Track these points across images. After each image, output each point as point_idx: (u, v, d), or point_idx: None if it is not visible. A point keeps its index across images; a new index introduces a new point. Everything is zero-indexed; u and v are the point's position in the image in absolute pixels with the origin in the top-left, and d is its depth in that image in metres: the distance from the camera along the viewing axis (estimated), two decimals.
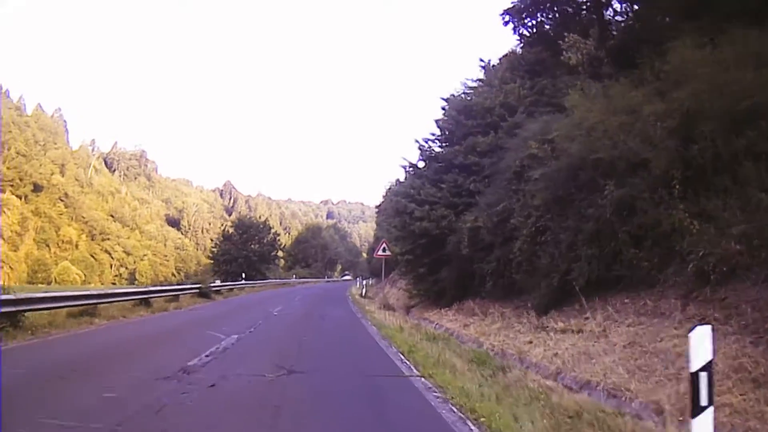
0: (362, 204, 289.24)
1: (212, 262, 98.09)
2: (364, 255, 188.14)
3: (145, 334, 22.24)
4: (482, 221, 28.87)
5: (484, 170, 33.94)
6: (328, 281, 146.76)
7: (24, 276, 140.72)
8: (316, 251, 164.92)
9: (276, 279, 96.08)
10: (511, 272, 26.23)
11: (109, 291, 29.29)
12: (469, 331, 26.21)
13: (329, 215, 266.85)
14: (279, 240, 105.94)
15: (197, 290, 45.12)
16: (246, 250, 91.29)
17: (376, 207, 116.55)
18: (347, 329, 27.54)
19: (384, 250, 44.95)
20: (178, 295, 39.92)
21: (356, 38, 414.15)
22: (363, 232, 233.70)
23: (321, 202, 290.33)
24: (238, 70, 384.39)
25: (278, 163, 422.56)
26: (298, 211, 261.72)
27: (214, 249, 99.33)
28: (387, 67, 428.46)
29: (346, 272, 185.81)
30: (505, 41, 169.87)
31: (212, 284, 51.83)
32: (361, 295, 62.66)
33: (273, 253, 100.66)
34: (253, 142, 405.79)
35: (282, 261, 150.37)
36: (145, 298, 32.90)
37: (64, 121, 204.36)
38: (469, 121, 36.90)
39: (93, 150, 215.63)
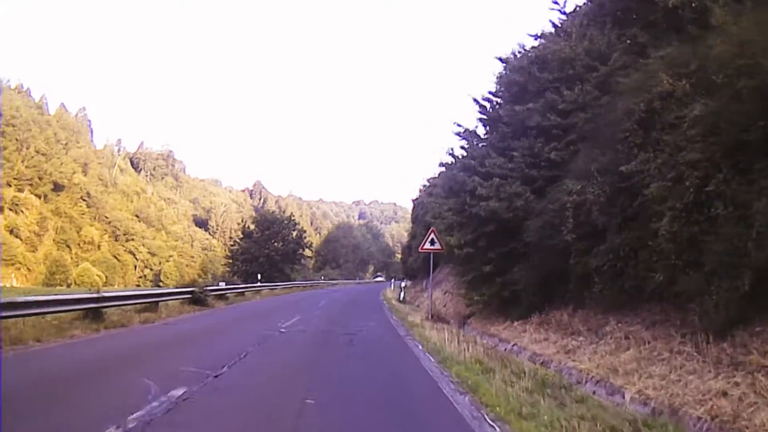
0: (395, 204, 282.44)
1: (231, 261, 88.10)
2: (398, 256, 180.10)
3: None
4: (592, 193, 18.49)
5: (569, 133, 24.56)
6: (360, 283, 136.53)
7: (41, 278, 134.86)
8: (347, 251, 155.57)
9: (302, 280, 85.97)
10: (636, 268, 16.47)
11: (25, 299, 17.85)
12: (579, 362, 16.33)
13: (361, 216, 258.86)
14: (306, 238, 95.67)
15: (189, 295, 34.85)
16: (268, 249, 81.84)
17: (413, 200, 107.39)
18: (388, 363, 16.57)
19: (432, 242, 32.46)
20: (158, 302, 29.73)
21: (390, 37, 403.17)
22: (395, 232, 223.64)
23: (353, 202, 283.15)
24: (269, 69, 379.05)
25: (309, 164, 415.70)
26: (330, 212, 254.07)
27: (233, 247, 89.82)
28: (420, 65, 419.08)
29: (378, 273, 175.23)
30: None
31: (210, 287, 41.26)
32: (398, 299, 53.25)
33: (299, 252, 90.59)
34: (284, 143, 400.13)
35: (312, 261, 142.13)
36: (94, 308, 22.17)
37: (89, 121, 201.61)
38: (544, 74, 26.82)
39: (119, 150, 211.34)
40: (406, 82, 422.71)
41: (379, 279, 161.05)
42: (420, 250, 35.70)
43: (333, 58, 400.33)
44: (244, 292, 51.15)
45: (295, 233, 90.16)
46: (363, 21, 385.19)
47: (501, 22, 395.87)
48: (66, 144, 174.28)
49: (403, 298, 53.03)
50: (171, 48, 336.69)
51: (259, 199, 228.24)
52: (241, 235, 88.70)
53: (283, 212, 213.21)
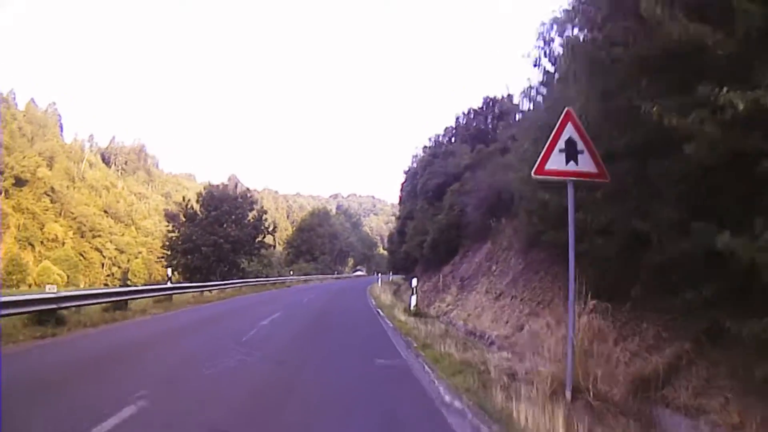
0: (373, 197, 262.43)
1: (168, 253, 61.44)
2: (380, 248, 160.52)
3: None
4: None
5: None
6: (338, 278, 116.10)
7: None
8: (324, 241, 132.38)
9: (263, 278, 63.20)
10: None
11: None
12: None
13: (339, 209, 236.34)
14: (267, 221, 70.50)
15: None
16: (216, 235, 58.36)
17: (405, 171, 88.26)
18: None
19: (573, 151, 8.96)
20: None
21: (366, 32, 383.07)
22: (375, 225, 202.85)
23: (330, 195, 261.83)
24: (243, 62, 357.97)
25: (286, 158, 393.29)
26: (307, 205, 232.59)
27: (172, 233, 62.80)
28: (396, 59, 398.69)
29: (359, 267, 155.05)
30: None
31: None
32: (409, 310, 29.48)
33: (258, 240, 65.97)
34: (260, 136, 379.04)
35: (285, 254, 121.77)
36: None
37: (59, 116, 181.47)
38: None
39: (91, 145, 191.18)
40: (384, 75, 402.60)
41: (359, 273, 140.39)
42: (536, 174, 10.04)
43: (309, 52, 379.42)
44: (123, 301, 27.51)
45: (252, 214, 66.00)
46: (339, 15, 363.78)
47: (472, 24, 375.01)
48: (32, 138, 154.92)
49: (416, 306, 29.85)
50: (145, 42, 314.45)
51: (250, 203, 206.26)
52: (183, 219, 62.53)
53: (258, 205, 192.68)
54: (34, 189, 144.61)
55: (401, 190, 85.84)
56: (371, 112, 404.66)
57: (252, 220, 63.80)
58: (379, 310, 31.46)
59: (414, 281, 30.72)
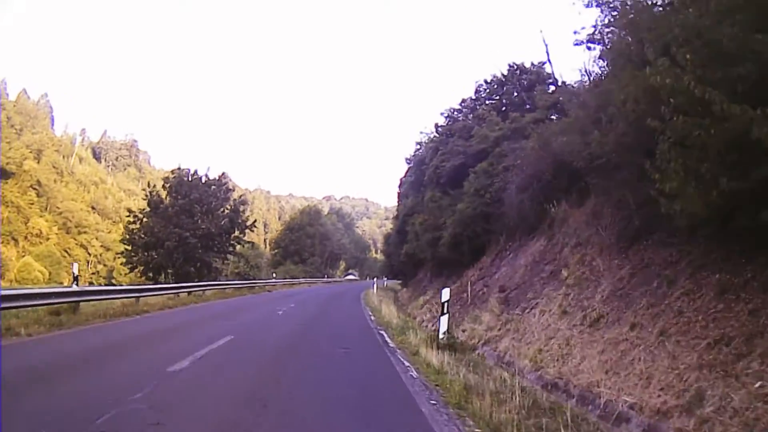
0: (366, 200, 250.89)
1: (129, 248, 48.68)
2: (375, 254, 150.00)
3: None
4: None
5: None
6: (329, 282, 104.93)
7: None
8: (314, 242, 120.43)
9: (238, 280, 52.39)
10: None
11: None
12: None
13: (332, 210, 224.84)
14: (246, 213, 58.58)
15: None
16: (181, 227, 46.34)
17: (407, 158, 78.10)
18: None
19: None
20: None
21: (360, 33, 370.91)
22: (368, 228, 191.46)
23: (323, 197, 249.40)
24: (239, 61, 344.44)
25: (279, 158, 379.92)
26: (299, 206, 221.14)
27: (132, 226, 49.80)
28: (390, 61, 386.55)
29: (351, 271, 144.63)
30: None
31: None
32: (435, 339, 17.19)
33: (232, 235, 53.96)
34: (254, 136, 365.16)
35: (270, 255, 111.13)
36: None
37: (50, 108, 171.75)
38: None
39: (83, 139, 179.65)
40: (377, 75, 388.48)
41: (351, 277, 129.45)
42: None
43: (303, 51, 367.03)
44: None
45: (228, 206, 52.99)
46: (334, 18, 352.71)
47: (469, 23, 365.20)
48: (21, 130, 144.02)
49: (449, 334, 17.37)
50: (142, 37, 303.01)
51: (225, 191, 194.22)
52: (149, 208, 49.11)
53: (251, 205, 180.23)
54: (20, 182, 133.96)
55: (400, 185, 76.43)
56: (365, 113, 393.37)
57: (227, 212, 52.42)
58: (383, 333, 22.26)
59: (445, 293, 18.88)
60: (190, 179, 50.71)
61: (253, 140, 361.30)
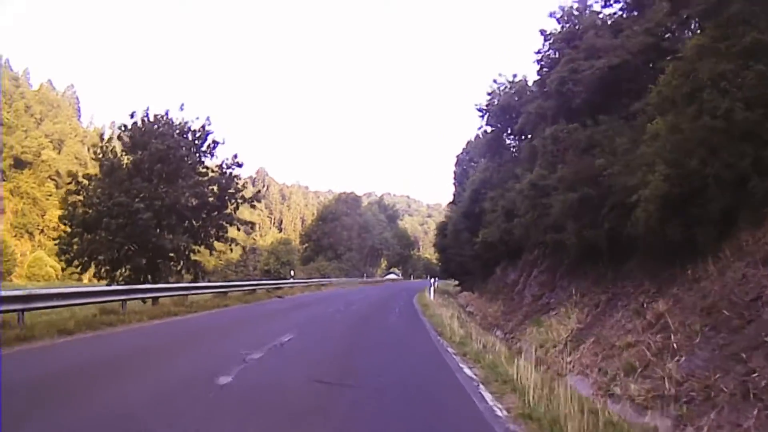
0: (408, 197, 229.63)
1: (69, 230, 28.50)
2: (421, 251, 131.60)
3: None
4: None
5: None
6: (367, 282, 79.74)
7: None
8: (351, 235, 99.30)
9: (220, 282, 34.40)
10: None
11: None
12: None
13: (373, 202, 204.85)
14: (240, 180, 34.98)
15: None
16: (149, 197, 27.33)
17: (458, 155, 62.06)
18: None
19: None
20: None
21: (404, 29, 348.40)
22: (409, 226, 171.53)
23: (364, 194, 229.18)
24: (278, 55, 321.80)
25: (318, 153, 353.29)
26: None
27: (73, 194, 29.45)
28: (434, 57, 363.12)
29: (392, 270, 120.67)
30: None
31: None
32: None
33: (226, 212, 32.36)
34: (293, 131, 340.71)
35: (299, 250, 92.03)
36: None
37: (77, 99, 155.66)
38: None
39: (113, 132, 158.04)
40: (422, 71, 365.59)
41: (393, 277, 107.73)
42: None
43: (350, 46, 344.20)
44: None
45: (215, 168, 32.42)
46: (374, 13, 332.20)
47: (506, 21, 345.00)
48: (41, 119, 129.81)
49: None
50: (178, 31, 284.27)
51: (263, 186, 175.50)
52: (102, 167, 29.53)
53: (288, 200, 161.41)
54: (37, 172, 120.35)
55: (457, 163, 58.60)
56: (407, 109, 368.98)
57: (212, 176, 32.24)
58: None
59: None
60: (149, 122, 30.65)
61: (291, 135, 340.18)
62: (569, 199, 17.81)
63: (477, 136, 60.60)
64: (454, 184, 63.98)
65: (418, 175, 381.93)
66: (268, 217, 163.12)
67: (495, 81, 37.06)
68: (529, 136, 29.50)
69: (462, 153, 63.10)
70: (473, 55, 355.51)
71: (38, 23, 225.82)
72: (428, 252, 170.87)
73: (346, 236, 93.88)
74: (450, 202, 65.61)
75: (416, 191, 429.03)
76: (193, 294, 24.94)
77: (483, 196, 37.08)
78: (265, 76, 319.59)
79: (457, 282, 60.96)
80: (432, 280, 44.17)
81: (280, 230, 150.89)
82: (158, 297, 22.49)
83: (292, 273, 50.64)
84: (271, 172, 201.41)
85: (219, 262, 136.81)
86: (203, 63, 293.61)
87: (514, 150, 34.95)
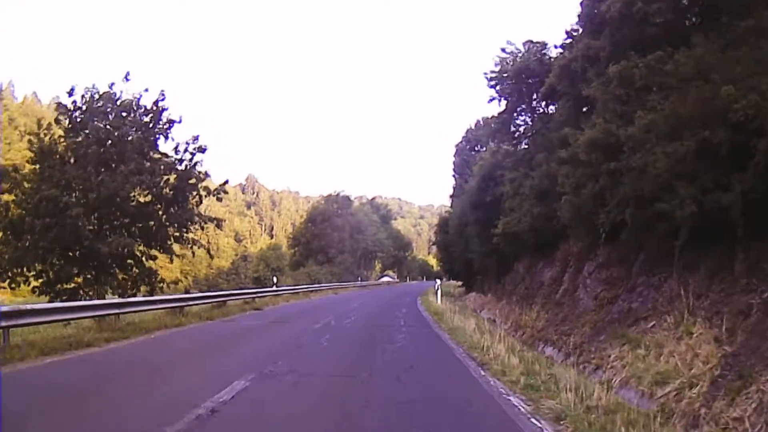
0: (399, 199, 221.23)
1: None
2: (417, 253, 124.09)
3: None
4: None
5: None
6: (362, 286, 71.90)
7: None
8: (343, 236, 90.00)
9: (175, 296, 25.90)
10: None
11: None
12: None
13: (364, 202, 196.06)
14: (199, 168, 25.36)
15: None
16: (83, 188, 20.87)
17: (457, 145, 55.30)
18: None
19: None
20: None
21: (391, 31, 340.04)
22: (401, 228, 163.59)
23: (355, 197, 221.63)
24: (267, 60, 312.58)
25: (309, 158, 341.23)
26: None
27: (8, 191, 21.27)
28: (421, 61, 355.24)
29: (387, 273, 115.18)
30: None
31: None
32: None
33: (185, 205, 24.12)
34: (282, 136, 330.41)
35: (288, 254, 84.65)
36: None
37: None
38: None
39: None
40: (411, 73, 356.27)
41: (387, 279, 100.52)
42: None
43: (337, 49, 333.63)
44: None
45: (173, 155, 24.53)
46: (361, 18, 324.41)
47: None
48: (25, 132, 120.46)
49: None
50: (169, 37, 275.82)
51: (252, 193, 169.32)
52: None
53: (278, 206, 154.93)
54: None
55: (457, 153, 51.64)
56: (396, 112, 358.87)
57: (168, 163, 24.47)
58: None
59: None
60: (93, 99, 23.11)
61: (281, 140, 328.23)
62: (678, 151, 11.02)
63: (477, 122, 54.28)
64: (454, 176, 57.54)
65: (409, 177, 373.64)
66: (258, 223, 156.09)
67: (504, 50, 30.18)
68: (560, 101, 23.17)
69: (461, 142, 56.57)
70: (462, 56, 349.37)
71: (23, 35, 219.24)
72: (422, 254, 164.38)
73: (337, 238, 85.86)
74: (450, 196, 58.89)
75: (407, 193, 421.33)
76: (130, 312, 17.90)
77: (497, 181, 30.36)
78: (253, 81, 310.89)
79: (460, 283, 54.24)
80: (436, 281, 37.40)
81: (272, 237, 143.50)
82: (77, 318, 15.48)
83: (274, 279, 43.29)
84: (261, 178, 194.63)
85: (210, 270, 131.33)
86: (191, 71, 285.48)
87: (537, 122, 28.11)
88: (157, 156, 24.15)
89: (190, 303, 23.05)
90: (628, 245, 15.25)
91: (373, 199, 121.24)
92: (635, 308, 13.60)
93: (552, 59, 26.33)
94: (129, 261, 23.00)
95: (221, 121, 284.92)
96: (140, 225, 23.34)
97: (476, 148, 52.50)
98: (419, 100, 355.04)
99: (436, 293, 33.24)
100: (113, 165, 22.16)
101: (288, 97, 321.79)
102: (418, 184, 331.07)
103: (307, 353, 12.70)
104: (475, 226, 34.00)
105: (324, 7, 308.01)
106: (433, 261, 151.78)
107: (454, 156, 57.09)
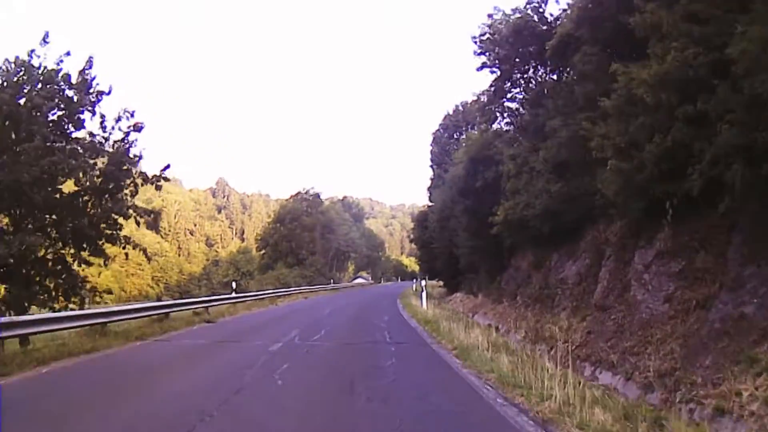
0: (371, 199, 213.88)
1: None
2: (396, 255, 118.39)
3: None
4: None
5: None
6: (335, 288, 64.93)
7: None
8: (314, 237, 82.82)
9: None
10: None
11: None
12: None
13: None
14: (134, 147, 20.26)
15: None
16: None
17: (433, 133, 51.66)
18: None
19: None
20: None
21: (356, 35, 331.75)
22: (374, 228, 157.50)
23: (326, 199, 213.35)
24: (236, 63, 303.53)
25: (279, 161, 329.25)
26: None
27: None
28: (389, 60, 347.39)
29: (360, 274, 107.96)
30: None
31: None
32: None
33: (118, 195, 19.13)
34: (251, 139, 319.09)
35: (258, 256, 78.81)
36: None
37: None
38: None
39: None
40: (379, 71, 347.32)
41: (361, 281, 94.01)
42: None
43: (301, 51, 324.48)
44: None
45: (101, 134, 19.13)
46: (329, 21, 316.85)
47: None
48: None
49: None
50: (138, 38, 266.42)
51: (223, 197, 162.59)
52: None
53: (249, 209, 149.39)
54: None
55: (438, 131, 51.85)
56: (366, 113, 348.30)
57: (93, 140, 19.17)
58: None
59: None
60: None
61: (251, 144, 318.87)
62: None
63: (456, 108, 49.37)
64: (432, 166, 52.23)
65: (380, 177, 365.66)
66: (230, 227, 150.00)
67: (490, 16, 25.10)
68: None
69: (438, 130, 51.33)
70: (434, 56, 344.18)
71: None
72: (395, 254, 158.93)
73: (307, 238, 79.95)
74: (428, 188, 53.58)
75: (378, 193, 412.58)
76: (21, 334, 12.61)
77: (489, 163, 25.42)
78: (222, 83, 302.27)
79: (441, 283, 48.85)
80: (416, 281, 31.96)
81: (243, 240, 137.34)
82: None
83: (233, 285, 37.62)
84: (231, 182, 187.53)
85: (182, 276, 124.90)
86: (161, 74, 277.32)
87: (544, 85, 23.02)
88: (81, 135, 18.82)
89: (117, 318, 17.59)
90: (711, 224, 10.37)
91: (344, 197, 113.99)
92: (752, 314, 8.65)
93: (554, 19, 21.56)
94: (55, 267, 17.86)
95: (192, 125, 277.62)
96: (71, 223, 18.06)
97: (455, 135, 47.61)
98: (388, 97, 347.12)
99: (420, 296, 28.11)
100: (15, 147, 16.88)
101: (258, 100, 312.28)
102: (389, 183, 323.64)
103: (247, 409, 7.48)
104: (463, 217, 28.86)
105: (289, 7, 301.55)
106: (407, 261, 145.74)
107: (431, 145, 51.89)
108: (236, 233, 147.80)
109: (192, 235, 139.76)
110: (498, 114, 27.44)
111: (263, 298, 35.12)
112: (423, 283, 30.63)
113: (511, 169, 21.11)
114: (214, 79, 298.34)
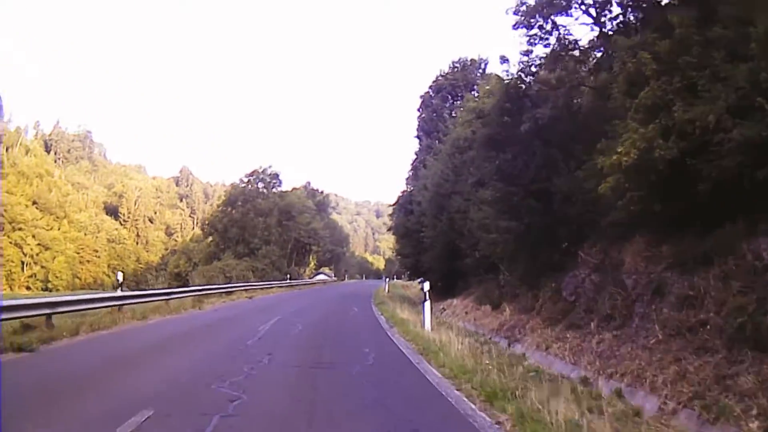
0: (336, 195, 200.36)
1: None
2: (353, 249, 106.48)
3: None
4: None
5: None
6: (292, 285, 49.79)
7: None
8: (269, 223, 65.12)
9: None
10: None
11: None
12: None
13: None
14: None
15: None
16: None
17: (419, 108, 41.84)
18: None
19: None
20: None
21: (336, 24, 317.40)
22: (339, 223, 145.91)
23: (288, 189, 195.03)
24: (202, 52, 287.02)
25: (241, 152, 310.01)
26: None
27: None
28: (367, 55, 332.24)
29: (322, 270, 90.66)
30: None
31: None
32: None
33: None
34: (214, 128, 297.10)
35: (206, 244, 66.33)
36: None
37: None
38: None
39: (36, 132, 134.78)
40: (356, 69, 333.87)
41: (323, 278, 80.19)
42: None
43: (271, 40, 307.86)
44: None
45: None
46: (305, 16, 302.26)
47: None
48: None
49: None
50: (105, 31, 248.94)
51: (186, 186, 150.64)
52: None
53: (212, 199, 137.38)
54: None
55: (427, 94, 41.67)
56: (331, 104, 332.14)
57: None
58: None
59: None
60: None
61: (213, 132, 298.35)
62: None
63: (453, 66, 38.10)
64: (418, 136, 40.69)
65: (345, 173, 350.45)
66: (190, 216, 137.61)
67: None
68: None
69: (428, 92, 39.71)
70: (403, 56, 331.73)
71: None
72: (359, 251, 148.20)
73: (262, 224, 63.73)
74: (412, 163, 41.47)
75: (343, 189, 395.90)
76: None
77: (535, 97, 13.95)
78: (182, 69, 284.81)
79: (417, 281, 36.30)
80: (425, 285, 18.88)
81: (203, 230, 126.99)
82: None
83: (119, 278, 25.39)
84: (195, 171, 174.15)
85: (139, 265, 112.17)
86: (122, 61, 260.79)
87: None
88: None
89: None
90: None
91: (308, 184, 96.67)
92: None
93: None
94: None
95: (157, 111, 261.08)
96: None
97: (452, 98, 36.66)
98: (355, 94, 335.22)
99: (423, 306, 16.34)
100: None
101: (227, 92, 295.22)
102: (354, 179, 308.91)
103: None
104: (495, 182, 16.78)
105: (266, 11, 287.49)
106: (372, 258, 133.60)
107: (419, 110, 40.48)
108: (197, 223, 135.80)
109: (152, 222, 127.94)
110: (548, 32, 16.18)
111: (184, 298, 22.38)
112: (426, 285, 18.32)
113: (650, 63, 9.57)
114: (187, 68, 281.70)
